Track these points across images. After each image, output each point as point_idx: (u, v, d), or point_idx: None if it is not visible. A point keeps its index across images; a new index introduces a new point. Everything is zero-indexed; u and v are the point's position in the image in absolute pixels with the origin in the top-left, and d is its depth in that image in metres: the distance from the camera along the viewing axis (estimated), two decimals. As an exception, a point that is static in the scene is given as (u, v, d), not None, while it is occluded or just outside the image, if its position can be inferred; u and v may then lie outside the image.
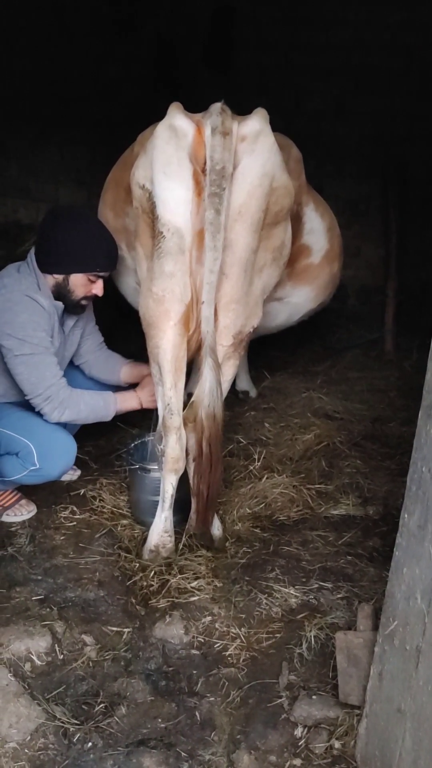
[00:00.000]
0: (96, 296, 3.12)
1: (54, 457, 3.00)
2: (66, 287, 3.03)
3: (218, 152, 2.39)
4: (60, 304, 3.07)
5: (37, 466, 2.97)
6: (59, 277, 3.02)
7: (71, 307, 3.10)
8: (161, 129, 2.49)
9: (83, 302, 3.12)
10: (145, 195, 2.58)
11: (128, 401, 3.22)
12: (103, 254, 3.02)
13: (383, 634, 1.94)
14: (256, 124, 2.47)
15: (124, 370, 3.43)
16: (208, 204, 2.43)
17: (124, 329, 3.61)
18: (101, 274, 3.06)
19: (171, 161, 2.48)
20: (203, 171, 2.45)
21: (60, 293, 3.04)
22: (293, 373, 5.00)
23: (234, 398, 4.47)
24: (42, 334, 2.96)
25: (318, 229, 3.34)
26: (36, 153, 6.50)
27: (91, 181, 6.07)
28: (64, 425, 3.17)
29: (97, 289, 3.08)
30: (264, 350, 4.80)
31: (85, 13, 5.93)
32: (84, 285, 3.04)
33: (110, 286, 3.27)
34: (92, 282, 3.05)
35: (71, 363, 3.39)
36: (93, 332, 3.44)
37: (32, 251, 3.06)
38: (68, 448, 3.04)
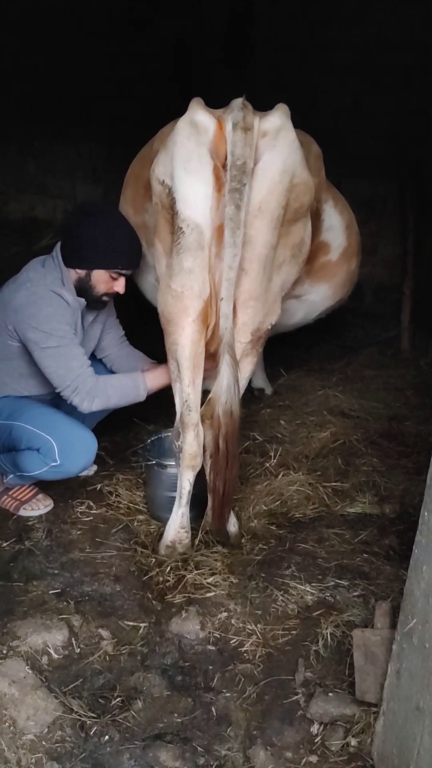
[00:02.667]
0: (117, 293, 3.13)
1: (75, 454, 3.01)
2: (88, 283, 3.04)
3: (239, 148, 2.39)
4: (83, 301, 3.08)
5: (58, 463, 2.98)
6: (81, 273, 3.03)
7: (92, 302, 3.12)
8: (182, 124, 2.49)
9: (104, 298, 3.13)
10: (165, 191, 2.58)
11: (158, 378, 3.15)
12: (126, 252, 3.03)
13: (402, 631, 1.94)
14: (277, 120, 2.47)
15: (146, 370, 3.42)
16: (229, 200, 2.43)
17: (142, 326, 3.61)
18: (123, 271, 3.07)
19: (191, 157, 2.48)
20: (224, 167, 2.44)
21: (82, 288, 3.06)
22: (309, 371, 4.99)
23: (250, 396, 4.47)
24: (66, 327, 2.97)
25: (337, 226, 3.33)
26: (53, 150, 6.53)
27: (107, 178, 6.09)
28: (83, 419, 3.18)
29: (119, 286, 3.09)
30: (280, 348, 4.78)
31: (102, 12, 5.94)
32: (106, 282, 3.06)
33: (130, 283, 3.28)
34: (114, 279, 3.06)
35: (93, 357, 3.39)
36: (114, 326, 3.45)
37: (58, 245, 3.08)
38: (89, 445, 3.05)
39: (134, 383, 3.10)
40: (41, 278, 3.01)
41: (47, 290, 2.97)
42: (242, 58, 5.81)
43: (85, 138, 6.38)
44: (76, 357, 2.98)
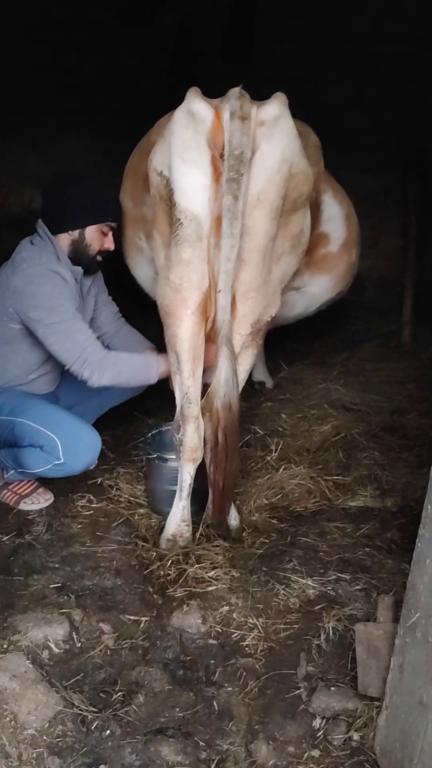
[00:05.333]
0: (109, 251, 3.17)
1: (79, 452, 3.00)
2: (83, 242, 3.08)
3: (237, 137, 2.36)
4: (79, 269, 3.11)
5: (62, 461, 2.97)
6: (75, 234, 3.07)
7: (88, 263, 3.15)
8: (179, 114, 2.46)
9: (99, 258, 3.17)
10: (163, 182, 2.55)
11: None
12: (111, 203, 3.14)
13: (404, 625, 1.92)
14: (275, 109, 2.43)
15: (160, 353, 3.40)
16: (226, 190, 2.40)
17: (140, 320, 3.59)
18: (112, 223, 3.13)
19: (189, 147, 2.45)
20: (221, 156, 2.41)
21: (77, 251, 3.09)
22: (310, 365, 4.98)
23: (250, 389, 4.46)
24: (67, 303, 2.98)
25: (336, 217, 3.31)
26: (53, 142, 6.49)
27: (108, 171, 6.03)
28: (81, 415, 3.16)
29: (109, 242, 3.15)
30: (281, 341, 4.78)
31: (104, 3, 5.90)
32: (99, 238, 3.11)
33: (128, 278, 3.27)
34: (104, 235, 3.12)
35: None
36: (107, 303, 3.46)
37: (39, 222, 3.11)
38: (93, 443, 3.04)
39: (147, 364, 3.05)
40: (36, 258, 3.01)
41: (44, 269, 2.98)
42: (244, 50, 5.77)
43: (86, 130, 6.33)
44: (81, 330, 2.96)
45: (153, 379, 3.07)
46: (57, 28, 6.07)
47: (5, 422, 3.10)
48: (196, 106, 2.43)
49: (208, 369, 2.79)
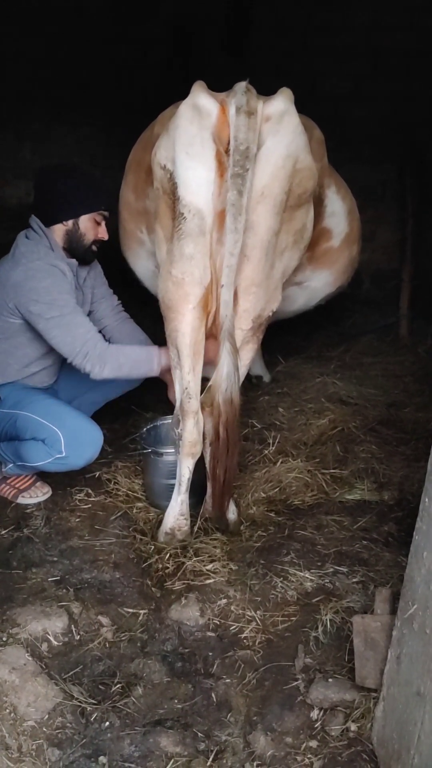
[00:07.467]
0: (103, 240, 3.18)
1: (81, 447, 3.00)
2: (77, 232, 3.09)
3: (243, 132, 2.35)
4: (74, 262, 3.13)
5: (64, 455, 2.96)
6: (69, 224, 3.07)
7: (83, 253, 3.15)
8: (184, 108, 2.44)
9: (93, 248, 3.17)
10: (167, 175, 2.54)
11: None
12: (103, 192, 3.14)
13: (402, 617, 1.94)
14: (281, 105, 2.42)
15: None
16: (231, 185, 2.39)
17: (138, 314, 3.59)
18: (105, 212, 3.14)
19: (194, 141, 2.44)
20: (226, 151, 2.40)
21: (72, 241, 3.10)
22: (307, 358, 4.98)
23: (248, 383, 4.46)
24: (67, 296, 2.99)
25: (339, 212, 3.30)
26: (50, 135, 6.47)
27: (104, 164, 6.02)
28: (78, 407, 3.17)
29: (102, 232, 3.16)
30: (278, 335, 4.77)
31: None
32: (92, 227, 3.12)
33: (127, 273, 3.25)
34: (98, 224, 3.13)
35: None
36: (107, 295, 3.46)
37: (32, 217, 3.11)
38: (96, 439, 3.03)
39: (148, 356, 3.07)
40: (34, 252, 3.02)
41: (43, 264, 2.99)
42: (242, 42, 5.75)
43: (83, 123, 6.32)
44: (81, 324, 2.98)
45: (155, 371, 3.09)
46: (55, 21, 6.04)
47: (8, 415, 3.10)
48: (201, 101, 2.41)
49: (209, 365, 2.78)
